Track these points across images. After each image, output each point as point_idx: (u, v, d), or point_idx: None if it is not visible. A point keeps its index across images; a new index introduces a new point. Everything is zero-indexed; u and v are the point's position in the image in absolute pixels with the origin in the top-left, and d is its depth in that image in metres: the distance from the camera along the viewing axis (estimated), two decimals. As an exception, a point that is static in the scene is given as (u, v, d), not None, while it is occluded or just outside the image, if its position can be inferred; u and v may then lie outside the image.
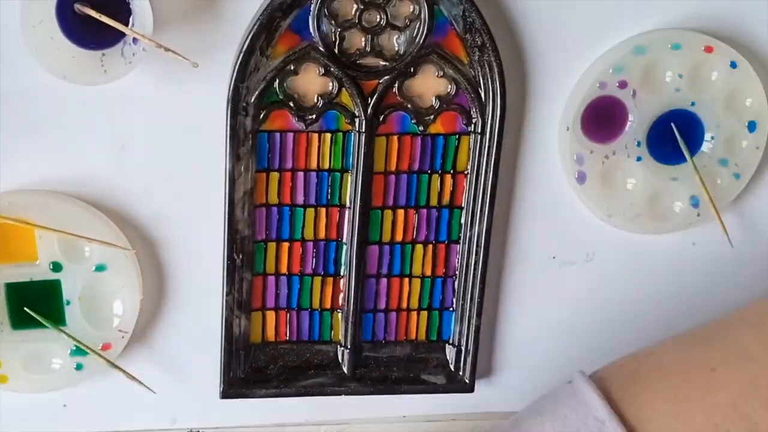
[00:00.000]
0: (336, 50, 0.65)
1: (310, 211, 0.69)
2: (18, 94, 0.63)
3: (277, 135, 0.67)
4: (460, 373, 0.74)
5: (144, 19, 0.59)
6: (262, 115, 0.66)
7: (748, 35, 0.70)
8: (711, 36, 0.69)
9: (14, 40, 0.60)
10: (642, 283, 0.77)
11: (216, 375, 0.72)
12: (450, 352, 0.75)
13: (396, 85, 0.66)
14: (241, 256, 0.69)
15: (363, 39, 0.65)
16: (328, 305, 0.72)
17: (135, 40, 0.60)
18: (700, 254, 0.76)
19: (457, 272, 0.72)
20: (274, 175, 0.68)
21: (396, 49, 0.66)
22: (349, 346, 0.73)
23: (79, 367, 0.69)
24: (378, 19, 0.65)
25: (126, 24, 0.60)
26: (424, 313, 0.73)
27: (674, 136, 0.70)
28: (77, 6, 0.60)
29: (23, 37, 0.59)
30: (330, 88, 0.66)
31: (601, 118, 0.69)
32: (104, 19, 0.60)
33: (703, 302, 0.78)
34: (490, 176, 0.69)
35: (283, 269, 0.71)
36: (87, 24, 0.61)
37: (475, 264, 0.71)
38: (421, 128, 0.68)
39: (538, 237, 0.74)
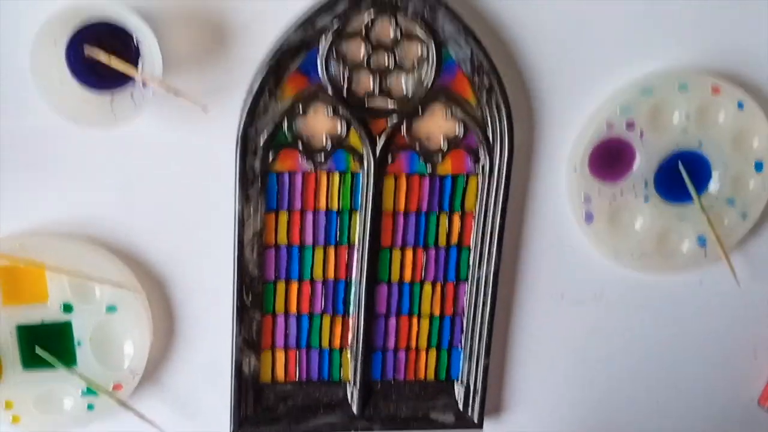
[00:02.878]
0: (344, 92, 0.65)
1: (319, 251, 0.70)
2: (28, 136, 0.64)
3: (286, 175, 0.67)
4: (469, 412, 0.74)
5: (153, 62, 0.60)
6: (271, 156, 0.66)
7: (755, 76, 0.70)
8: (718, 77, 0.69)
9: (24, 83, 0.60)
10: (650, 321, 0.77)
11: (226, 415, 0.72)
12: (459, 391, 0.75)
13: (404, 125, 0.67)
14: (250, 296, 0.69)
15: (371, 81, 0.65)
16: (336, 345, 0.72)
17: (144, 83, 0.60)
18: (708, 293, 0.76)
19: (465, 311, 0.72)
20: (283, 216, 0.68)
21: (404, 90, 0.66)
22: (358, 386, 0.73)
23: (90, 407, 0.69)
24: (386, 62, 0.65)
25: (135, 67, 0.61)
26: (433, 352, 0.74)
27: (681, 176, 0.70)
28: (87, 50, 0.61)
29: (33, 81, 0.60)
30: (338, 129, 0.66)
31: (609, 158, 0.69)
32: (114, 62, 0.60)
33: (711, 341, 0.78)
34: (498, 216, 0.69)
35: (293, 309, 0.71)
36: (96, 67, 0.61)
37: (483, 303, 0.71)
38: (429, 168, 0.68)
39: (547, 276, 0.74)
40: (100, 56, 0.60)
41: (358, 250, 0.70)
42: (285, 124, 0.65)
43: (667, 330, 0.77)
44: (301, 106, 0.65)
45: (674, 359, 0.77)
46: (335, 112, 0.66)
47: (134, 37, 0.61)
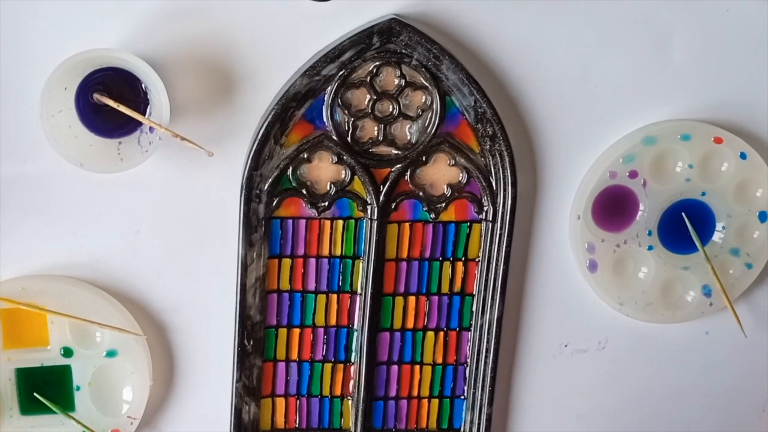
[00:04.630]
0: (349, 139, 0.66)
1: (322, 298, 0.70)
2: (34, 180, 0.64)
3: (290, 222, 0.67)
4: (472, 462, 0.74)
5: (161, 108, 0.60)
6: (275, 202, 0.66)
7: (757, 128, 0.71)
8: (720, 127, 0.69)
9: (33, 127, 0.61)
10: (655, 371, 0.76)
11: (224, 463, 0.71)
12: (461, 442, 0.74)
13: (408, 173, 0.67)
14: (251, 342, 0.69)
15: (376, 128, 0.66)
16: (338, 392, 0.72)
17: (151, 128, 0.61)
18: (714, 344, 0.76)
19: (468, 360, 0.72)
20: (286, 261, 0.68)
21: (408, 138, 0.67)
22: (359, 435, 0.72)
23: (86, 453, 0.68)
24: (391, 109, 0.66)
25: (143, 113, 0.62)
26: (435, 401, 0.73)
27: (685, 226, 0.70)
28: (96, 95, 0.61)
29: (42, 126, 0.60)
30: (343, 175, 0.67)
31: (612, 207, 0.69)
32: (122, 108, 0.61)
33: (717, 392, 0.77)
34: (502, 264, 0.69)
35: (294, 355, 0.70)
36: (105, 113, 0.62)
37: (486, 351, 0.71)
38: (432, 216, 0.68)
39: (550, 325, 0.73)
40: (109, 102, 0.61)
41: (360, 297, 0.70)
42: (289, 171, 0.66)
43: (673, 381, 0.77)
44: (305, 153, 0.66)
45: (680, 409, 0.76)
46: (339, 159, 0.66)
47: (143, 83, 0.62)
